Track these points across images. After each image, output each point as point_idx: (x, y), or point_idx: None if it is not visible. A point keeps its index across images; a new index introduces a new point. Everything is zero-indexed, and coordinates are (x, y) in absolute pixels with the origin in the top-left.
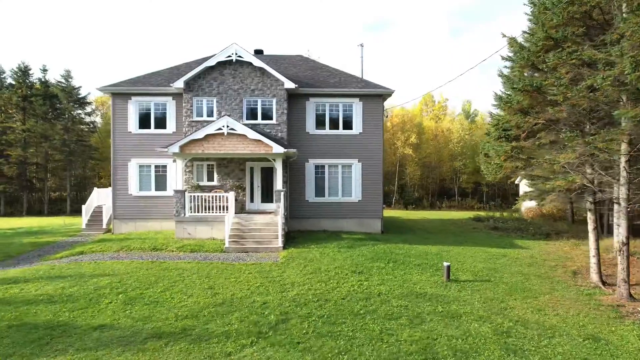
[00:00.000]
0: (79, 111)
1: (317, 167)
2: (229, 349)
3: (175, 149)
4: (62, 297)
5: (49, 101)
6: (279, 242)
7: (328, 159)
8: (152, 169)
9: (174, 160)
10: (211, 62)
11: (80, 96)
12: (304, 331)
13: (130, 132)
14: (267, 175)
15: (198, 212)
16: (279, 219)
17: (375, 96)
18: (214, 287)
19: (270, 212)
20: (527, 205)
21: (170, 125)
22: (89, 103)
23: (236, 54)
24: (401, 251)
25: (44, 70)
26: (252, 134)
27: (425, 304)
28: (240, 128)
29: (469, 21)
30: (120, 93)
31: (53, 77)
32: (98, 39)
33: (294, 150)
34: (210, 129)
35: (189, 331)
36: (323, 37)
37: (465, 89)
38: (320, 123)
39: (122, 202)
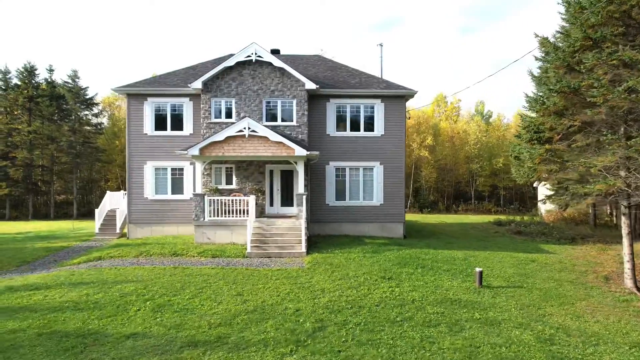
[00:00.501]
0: (86, 112)
1: (337, 169)
2: (269, 357)
3: (195, 151)
4: (87, 304)
5: (56, 102)
6: (302, 247)
7: (349, 162)
8: (169, 171)
9: (191, 163)
10: (230, 62)
11: (87, 97)
12: (343, 339)
13: (146, 134)
14: (287, 178)
15: (217, 216)
16: (302, 223)
17: (397, 97)
18: (243, 293)
19: (290, 216)
20: (547, 209)
21: (187, 127)
22: (96, 104)
23: (256, 53)
24: (427, 256)
25: (50, 71)
26: (274, 136)
27: (462, 311)
28: (262, 130)
29: (478, 20)
30: (135, 94)
31: (60, 77)
32: (105, 39)
33: (317, 152)
34: (231, 131)
35: (225, 339)
36: (329, 36)
37: (477, 89)
38: (341, 125)
39: (138, 206)
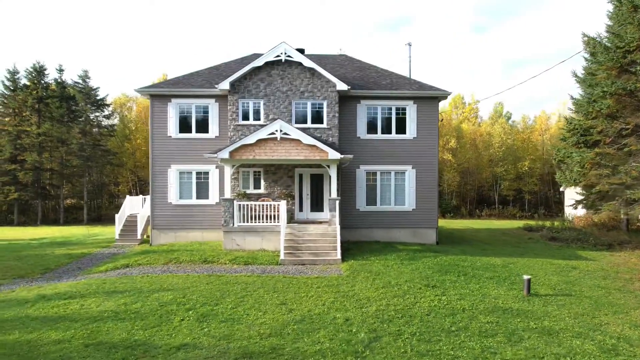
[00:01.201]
0: (97, 114)
1: (368, 173)
2: None
3: (224, 154)
4: (127, 313)
5: (66, 103)
6: (338, 254)
7: (380, 165)
8: (193, 175)
9: (217, 167)
10: (258, 62)
11: (98, 98)
12: (402, 350)
13: (170, 136)
14: (317, 182)
15: (247, 221)
16: (336, 229)
17: (430, 98)
18: (287, 302)
19: (321, 222)
20: (576, 214)
21: (213, 129)
22: (108, 105)
23: (285, 53)
24: (466, 263)
25: (60, 71)
26: (307, 139)
27: (516, 320)
28: (294, 132)
29: (492, 18)
30: (159, 95)
31: (70, 77)
32: (107, 40)
33: (351, 156)
34: (262, 134)
35: (279, 350)
36: (330, 37)
37: (491, 89)
38: (371, 127)
39: (161, 212)
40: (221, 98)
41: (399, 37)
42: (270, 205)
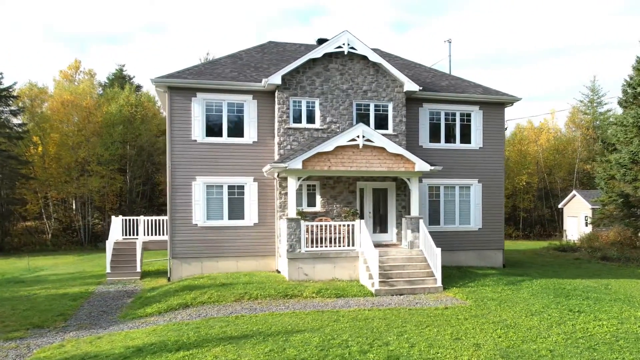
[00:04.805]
0: (1, 108)
1: (430, 188)
2: None
3: (296, 164)
4: None
5: None
6: (437, 282)
7: (444, 179)
8: (225, 190)
9: (255, 179)
10: (316, 54)
11: (1, 87)
12: None
13: (195, 140)
14: (380, 198)
15: (315, 246)
16: (430, 253)
17: (496, 104)
18: (460, 337)
19: (388, 244)
20: (583, 232)
21: (250, 133)
22: (15, 97)
23: (348, 44)
24: (567, 286)
25: None
26: (393, 147)
27: None
28: (378, 139)
29: (415, 15)
30: (180, 87)
31: None
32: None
33: (440, 167)
34: (341, 140)
35: None
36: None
37: None
38: (434, 135)
39: (184, 236)
40: (261, 95)
41: (311, 30)
42: (338, 225)
